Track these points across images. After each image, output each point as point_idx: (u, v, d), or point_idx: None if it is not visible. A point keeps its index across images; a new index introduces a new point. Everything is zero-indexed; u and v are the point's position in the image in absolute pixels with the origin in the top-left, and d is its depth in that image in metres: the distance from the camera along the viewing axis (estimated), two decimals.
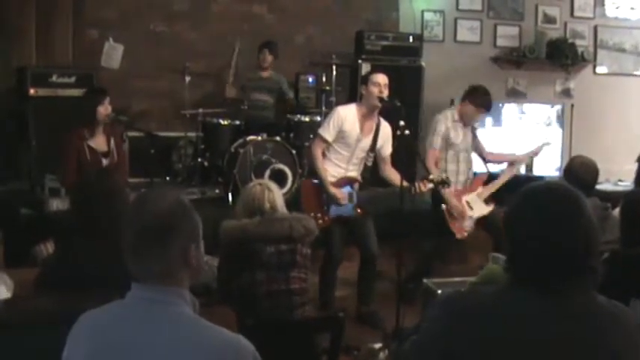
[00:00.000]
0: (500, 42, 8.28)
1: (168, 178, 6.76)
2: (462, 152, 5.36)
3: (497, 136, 7.30)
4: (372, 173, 4.95)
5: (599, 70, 8.61)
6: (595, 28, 8.57)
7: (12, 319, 2.47)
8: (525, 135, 7.47)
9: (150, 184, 5.63)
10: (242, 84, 6.90)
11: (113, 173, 4.62)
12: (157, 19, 7.25)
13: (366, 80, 4.81)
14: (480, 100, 5.29)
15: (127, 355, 1.68)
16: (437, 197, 5.21)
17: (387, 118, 4.92)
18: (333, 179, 4.79)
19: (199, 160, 6.60)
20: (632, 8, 8.52)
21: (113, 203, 2.77)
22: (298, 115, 6.82)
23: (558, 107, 7.77)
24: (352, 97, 6.96)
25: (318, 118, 6.61)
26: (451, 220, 5.21)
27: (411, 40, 7.45)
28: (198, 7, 7.40)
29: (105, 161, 4.96)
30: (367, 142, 4.81)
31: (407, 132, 4.57)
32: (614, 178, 7.32)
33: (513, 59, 8.24)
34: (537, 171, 7.39)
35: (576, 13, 8.50)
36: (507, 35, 8.29)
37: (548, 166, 7.56)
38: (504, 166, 5.67)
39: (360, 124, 4.78)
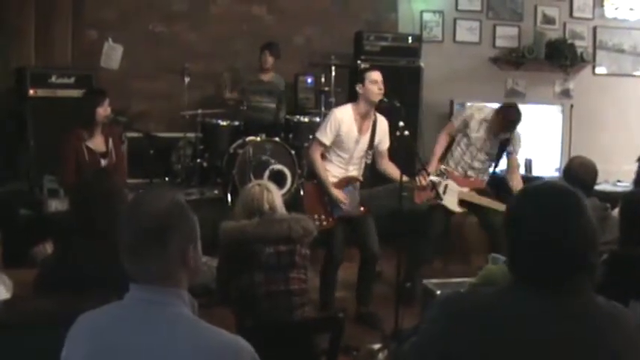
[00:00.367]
0: (499, 42, 8.29)
1: (167, 179, 6.76)
2: (472, 147, 5.29)
3: None
4: (370, 170, 4.95)
5: (598, 70, 8.62)
6: (594, 29, 8.58)
7: (11, 320, 2.47)
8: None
9: (149, 184, 5.63)
10: (242, 87, 6.89)
11: (112, 174, 4.62)
12: (156, 19, 7.26)
13: (362, 79, 4.78)
14: (509, 124, 5.20)
15: (125, 356, 1.67)
16: None
17: (386, 119, 4.92)
18: (334, 179, 4.79)
19: (198, 160, 6.60)
20: (631, 9, 8.52)
21: (112, 204, 2.77)
22: (297, 116, 6.82)
23: (557, 108, 7.79)
24: (352, 97, 6.90)
25: (317, 119, 6.61)
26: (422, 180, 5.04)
27: (410, 40, 7.46)
28: (197, 7, 7.41)
29: (103, 162, 4.95)
30: (365, 140, 4.81)
31: (406, 132, 4.57)
32: (613, 179, 7.32)
33: (512, 60, 8.25)
34: (537, 171, 7.41)
35: (575, 14, 8.51)
36: (506, 36, 8.30)
37: (548, 167, 7.58)
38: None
39: (357, 124, 4.78)
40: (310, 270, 3.66)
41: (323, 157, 4.84)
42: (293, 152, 6.28)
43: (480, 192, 5.32)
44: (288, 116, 6.83)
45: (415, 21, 7.94)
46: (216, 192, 6.46)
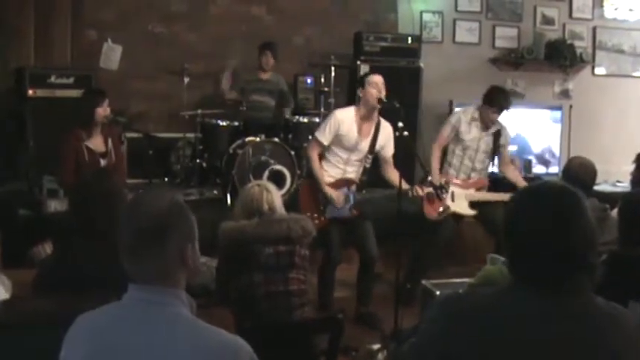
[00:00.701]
0: (498, 43, 8.29)
1: (166, 179, 6.75)
2: (469, 150, 5.30)
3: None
4: (370, 175, 4.94)
5: (598, 71, 8.63)
6: (594, 30, 8.58)
7: (10, 320, 2.47)
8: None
9: (148, 185, 5.63)
10: (241, 86, 6.89)
11: (111, 174, 4.62)
12: (156, 20, 7.26)
13: (363, 82, 4.80)
14: (492, 100, 5.25)
15: (125, 356, 1.67)
16: None
17: (385, 119, 4.92)
18: (331, 180, 4.80)
19: (198, 161, 6.59)
20: (630, 10, 8.52)
21: (112, 203, 2.77)
22: (297, 116, 6.82)
23: (557, 108, 7.80)
24: (351, 98, 6.94)
25: (317, 119, 6.61)
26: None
27: (409, 41, 7.45)
28: (196, 8, 7.41)
29: (103, 162, 4.95)
30: (366, 144, 4.81)
31: (405, 133, 4.57)
32: (612, 179, 7.32)
33: (512, 60, 8.25)
34: (536, 171, 7.42)
35: (575, 15, 8.52)
36: (506, 36, 8.30)
37: (547, 167, 7.59)
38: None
39: (357, 126, 4.78)
40: (309, 270, 3.66)
41: (322, 156, 4.85)
42: (292, 153, 6.27)
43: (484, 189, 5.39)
44: (288, 116, 6.82)
45: (415, 21, 7.94)
46: (215, 192, 6.45)
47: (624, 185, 6.74)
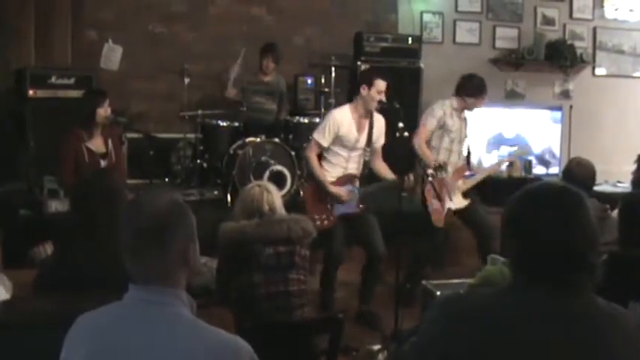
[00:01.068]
0: (499, 43, 8.29)
1: (167, 180, 6.75)
2: (455, 142, 5.32)
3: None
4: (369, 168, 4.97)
5: (598, 71, 8.63)
6: (594, 30, 8.59)
7: (11, 320, 2.47)
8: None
9: (149, 185, 5.63)
10: (242, 87, 6.89)
11: (112, 172, 4.62)
12: (156, 20, 7.26)
13: (368, 81, 4.77)
14: (473, 90, 5.26)
15: (125, 356, 1.68)
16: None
17: (386, 120, 4.92)
18: (333, 179, 4.81)
19: (198, 161, 6.59)
20: (630, 10, 8.53)
21: (112, 200, 2.78)
22: (297, 117, 6.82)
23: (557, 109, 7.80)
24: (351, 98, 6.93)
25: (317, 120, 6.60)
26: (432, 199, 5.13)
27: (410, 41, 7.46)
28: (196, 8, 7.41)
29: (103, 163, 4.96)
30: (363, 139, 4.84)
31: (405, 133, 4.57)
32: (612, 180, 7.32)
33: (512, 61, 8.26)
34: (536, 172, 7.42)
35: (575, 15, 8.52)
36: (506, 37, 8.30)
37: (548, 167, 7.59)
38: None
39: (356, 124, 4.80)
40: (309, 271, 3.67)
41: (321, 157, 4.86)
42: (293, 153, 6.27)
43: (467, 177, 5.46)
44: (288, 117, 6.82)
45: (415, 22, 7.95)
46: (215, 193, 6.45)
47: (625, 186, 6.74)
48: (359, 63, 7.13)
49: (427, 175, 4.51)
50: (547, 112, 7.79)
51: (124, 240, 1.75)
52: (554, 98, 8.39)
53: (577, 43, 8.36)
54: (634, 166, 4.78)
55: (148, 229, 1.72)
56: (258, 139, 6.28)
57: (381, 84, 4.73)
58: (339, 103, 6.51)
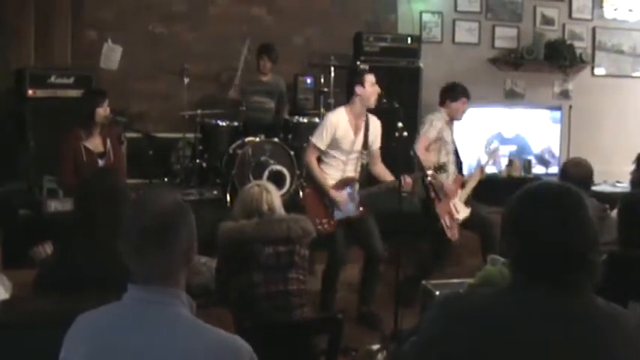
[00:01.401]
0: (498, 43, 8.29)
1: (166, 180, 6.75)
2: (450, 154, 5.40)
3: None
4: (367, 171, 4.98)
5: (598, 71, 8.63)
6: (593, 30, 8.59)
7: (10, 320, 2.47)
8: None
9: (148, 185, 5.63)
10: (241, 87, 6.89)
11: (115, 172, 4.62)
12: (156, 20, 7.26)
13: (359, 80, 4.79)
14: (458, 94, 5.37)
15: (125, 356, 1.68)
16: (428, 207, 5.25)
17: (385, 120, 4.93)
18: (333, 181, 4.81)
19: (197, 161, 6.59)
20: (630, 10, 8.52)
21: (115, 200, 2.78)
22: (297, 117, 6.82)
23: (556, 109, 7.81)
24: (351, 98, 6.94)
25: (317, 120, 6.61)
26: (445, 215, 5.22)
27: (409, 41, 7.45)
28: (196, 8, 7.41)
29: (101, 162, 4.96)
30: (360, 141, 4.85)
31: (405, 133, 4.58)
32: (612, 180, 7.33)
33: (511, 60, 8.25)
34: (536, 172, 7.43)
35: (574, 15, 8.52)
36: (505, 36, 8.30)
37: (547, 167, 7.59)
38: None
39: (352, 126, 4.81)
40: (309, 271, 3.67)
41: (320, 160, 4.86)
42: (292, 153, 6.27)
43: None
44: (287, 117, 6.82)
45: (414, 22, 7.95)
46: (215, 192, 6.45)
47: (624, 186, 6.74)
48: (358, 63, 7.12)
49: (427, 176, 4.54)
50: (546, 112, 7.80)
51: (128, 239, 1.75)
52: (553, 98, 8.39)
53: (576, 43, 8.36)
54: (633, 166, 4.77)
55: (152, 228, 1.73)
56: (258, 139, 6.28)
57: (370, 77, 4.78)
58: (338, 103, 6.50)
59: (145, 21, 7.22)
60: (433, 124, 5.31)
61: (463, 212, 5.32)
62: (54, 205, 5.06)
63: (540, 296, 1.68)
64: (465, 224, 5.38)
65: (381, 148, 4.99)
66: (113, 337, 1.71)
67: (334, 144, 4.79)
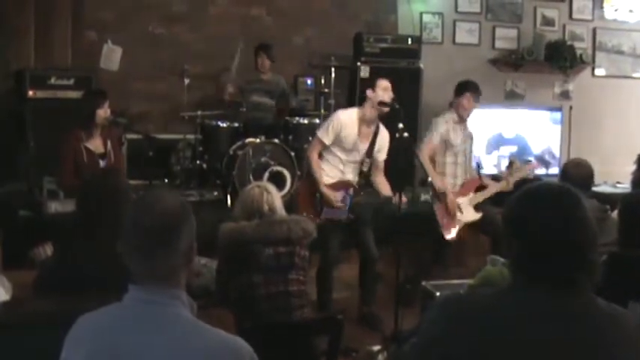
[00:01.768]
0: (498, 44, 8.29)
1: (166, 181, 6.75)
2: (460, 155, 5.40)
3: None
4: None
5: (598, 72, 8.63)
6: (594, 31, 8.59)
7: (10, 321, 2.47)
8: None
9: (148, 186, 5.63)
10: (241, 86, 6.89)
11: (118, 173, 4.62)
12: (156, 21, 7.25)
13: (371, 84, 4.87)
14: (462, 89, 5.43)
15: (126, 356, 1.68)
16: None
17: (385, 120, 4.93)
18: (330, 180, 4.83)
19: (198, 162, 6.59)
20: (630, 11, 8.52)
21: (117, 200, 2.78)
22: (297, 118, 6.82)
23: (557, 109, 7.80)
24: (351, 99, 6.96)
25: (317, 121, 6.61)
26: (442, 216, 5.22)
27: (409, 42, 7.45)
28: (196, 8, 7.41)
29: (102, 163, 4.96)
30: (364, 146, 4.87)
31: (405, 134, 4.58)
32: (612, 180, 7.33)
33: (512, 61, 8.25)
34: (536, 172, 7.41)
35: (575, 16, 8.52)
36: (506, 37, 8.30)
37: (547, 168, 7.59)
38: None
39: (358, 128, 4.83)
40: (308, 271, 3.67)
41: (321, 156, 4.90)
42: (292, 154, 6.27)
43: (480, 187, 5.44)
44: (287, 117, 6.82)
45: (415, 22, 7.95)
46: (215, 194, 6.45)
47: (624, 186, 6.74)
48: (359, 63, 7.12)
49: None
50: (547, 113, 7.79)
51: (131, 239, 1.75)
52: (553, 99, 8.39)
53: (577, 44, 8.35)
54: (634, 167, 4.77)
55: (155, 229, 1.72)
56: (258, 140, 6.29)
57: (383, 82, 4.84)
58: (338, 104, 6.52)
59: (145, 21, 7.21)
60: (436, 128, 5.34)
61: (468, 215, 5.30)
62: (54, 207, 5.06)
63: (540, 296, 1.68)
64: (477, 227, 5.37)
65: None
66: (114, 337, 1.71)
67: (337, 142, 4.83)
